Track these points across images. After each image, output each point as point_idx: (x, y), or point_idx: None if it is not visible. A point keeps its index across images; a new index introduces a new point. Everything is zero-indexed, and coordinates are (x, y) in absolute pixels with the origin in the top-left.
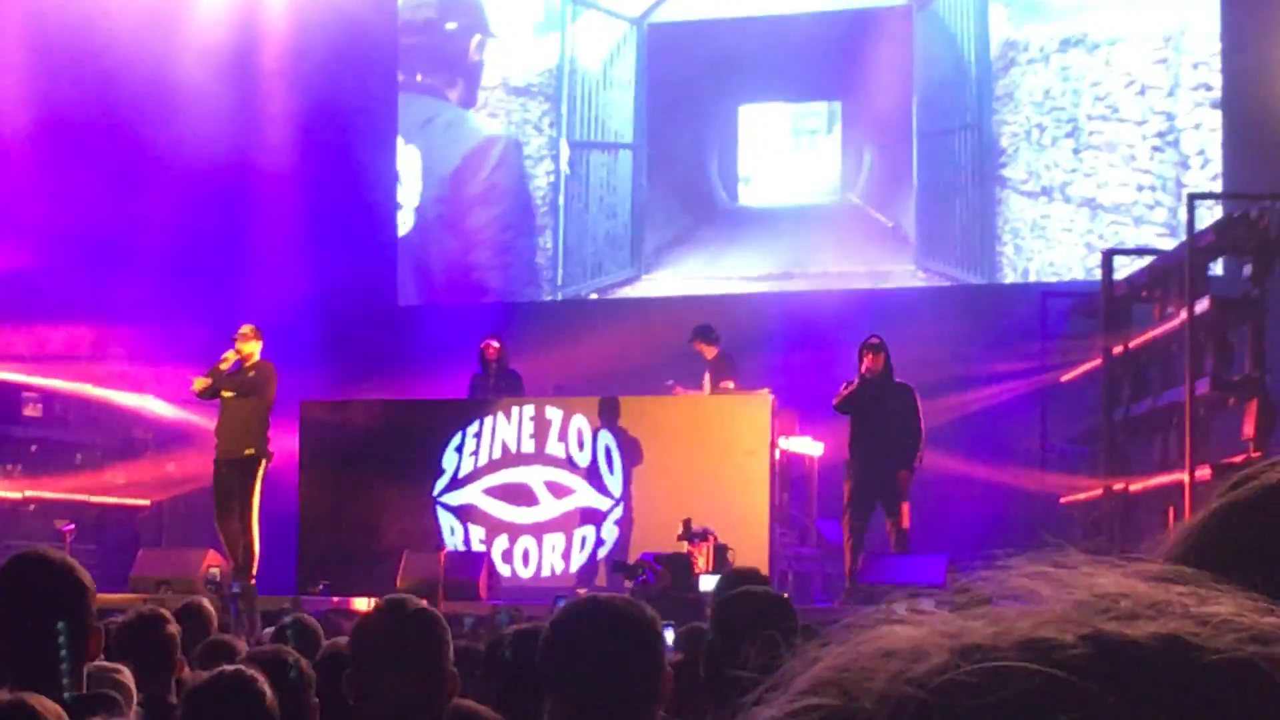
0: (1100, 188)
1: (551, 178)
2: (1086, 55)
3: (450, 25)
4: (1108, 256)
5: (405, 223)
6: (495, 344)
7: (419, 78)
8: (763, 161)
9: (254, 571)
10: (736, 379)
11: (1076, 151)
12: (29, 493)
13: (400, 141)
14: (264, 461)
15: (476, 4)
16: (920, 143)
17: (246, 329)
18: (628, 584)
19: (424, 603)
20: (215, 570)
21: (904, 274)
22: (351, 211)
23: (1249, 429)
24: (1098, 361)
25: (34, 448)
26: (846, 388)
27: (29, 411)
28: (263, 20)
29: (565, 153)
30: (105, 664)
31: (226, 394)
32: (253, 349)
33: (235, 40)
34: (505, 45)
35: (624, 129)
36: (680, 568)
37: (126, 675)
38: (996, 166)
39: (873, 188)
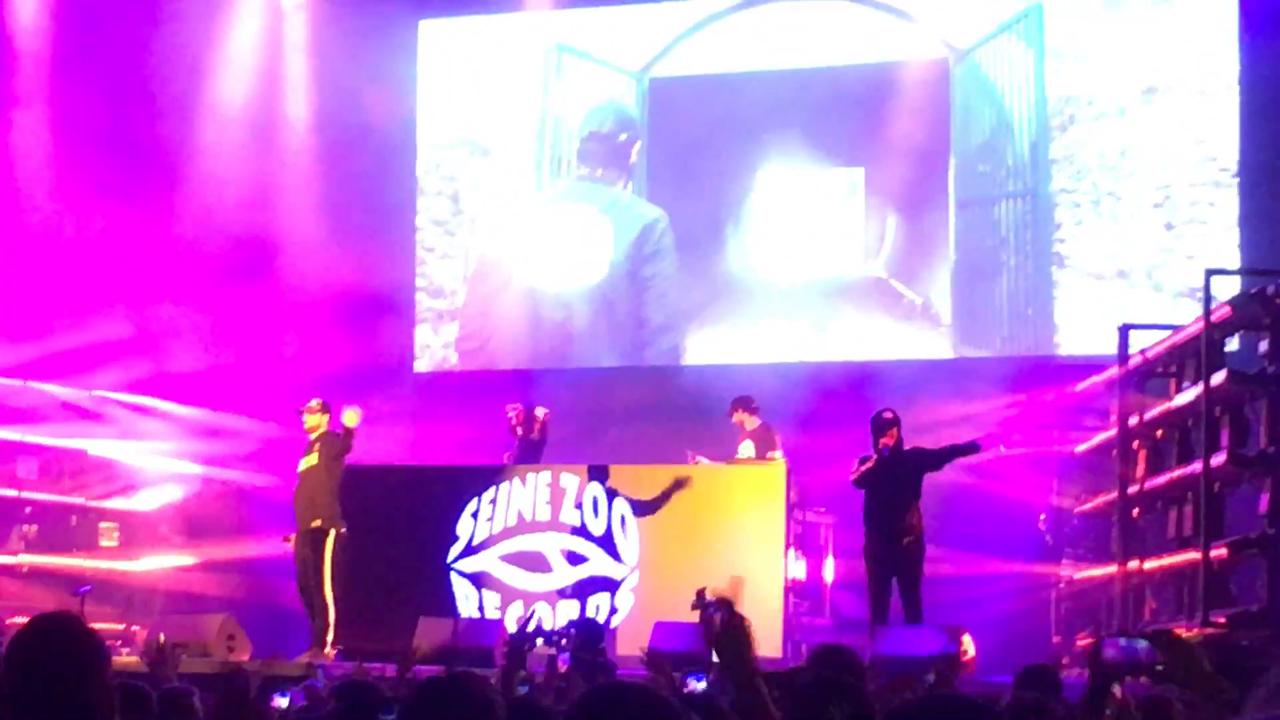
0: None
1: None
2: (1151, 110)
3: (622, 136)
4: (1124, 331)
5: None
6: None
7: (599, 172)
8: (778, 230)
9: (326, 641)
10: (778, 449)
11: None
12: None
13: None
14: (333, 532)
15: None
16: (958, 212)
17: (314, 403)
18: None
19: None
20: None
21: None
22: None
23: (1265, 505)
24: (1113, 432)
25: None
26: (862, 464)
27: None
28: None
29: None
30: None
31: (304, 464)
32: (318, 421)
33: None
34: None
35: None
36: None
37: None
38: (1051, 240)
39: (899, 260)
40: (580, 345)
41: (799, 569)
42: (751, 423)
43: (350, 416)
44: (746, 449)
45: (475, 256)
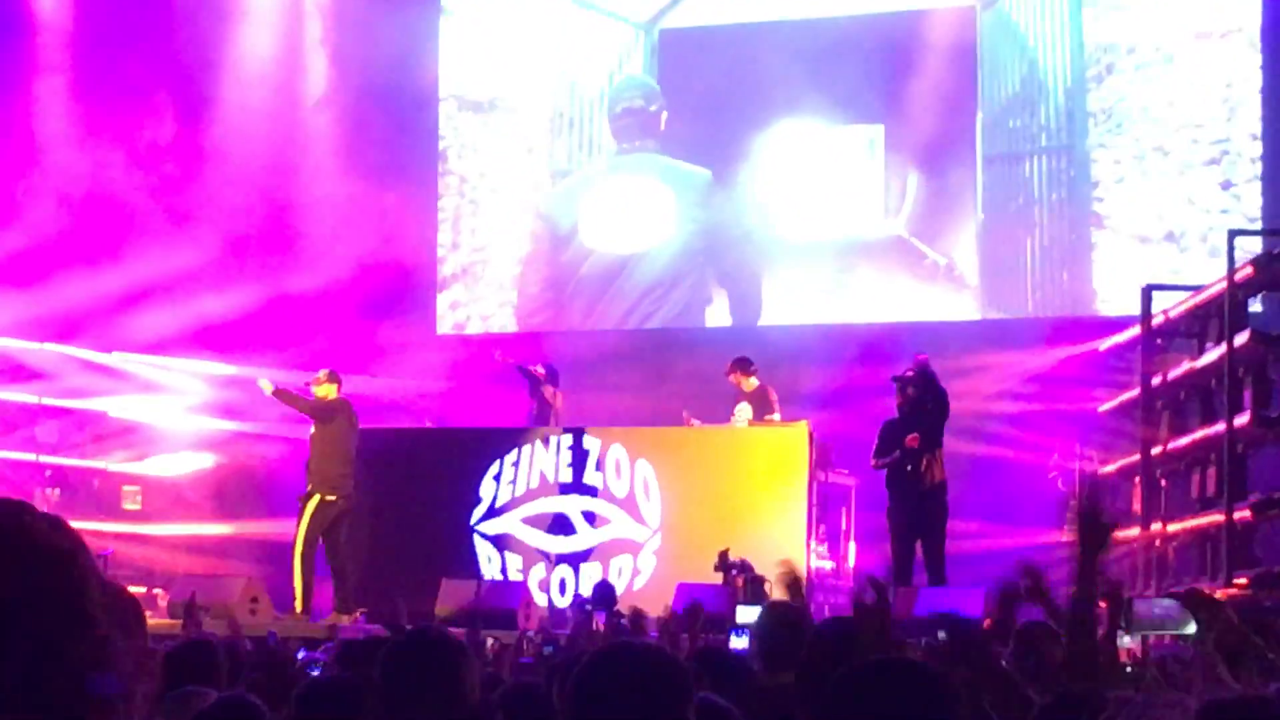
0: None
1: None
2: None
3: (653, 107)
4: (1147, 291)
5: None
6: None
7: (637, 143)
8: (794, 188)
9: (298, 607)
10: (780, 413)
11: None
12: None
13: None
14: (317, 497)
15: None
16: (985, 168)
17: (322, 374)
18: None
19: (448, 631)
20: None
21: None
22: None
23: None
24: (1135, 391)
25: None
26: (883, 445)
27: None
28: None
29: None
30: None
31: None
32: (326, 392)
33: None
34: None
35: None
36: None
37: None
38: (1089, 199)
39: (920, 219)
40: (618, 308)
41: (820, 530)
42: (749, 384)
43: (263, 385)
44: (744, 411)
45: (521, 222)
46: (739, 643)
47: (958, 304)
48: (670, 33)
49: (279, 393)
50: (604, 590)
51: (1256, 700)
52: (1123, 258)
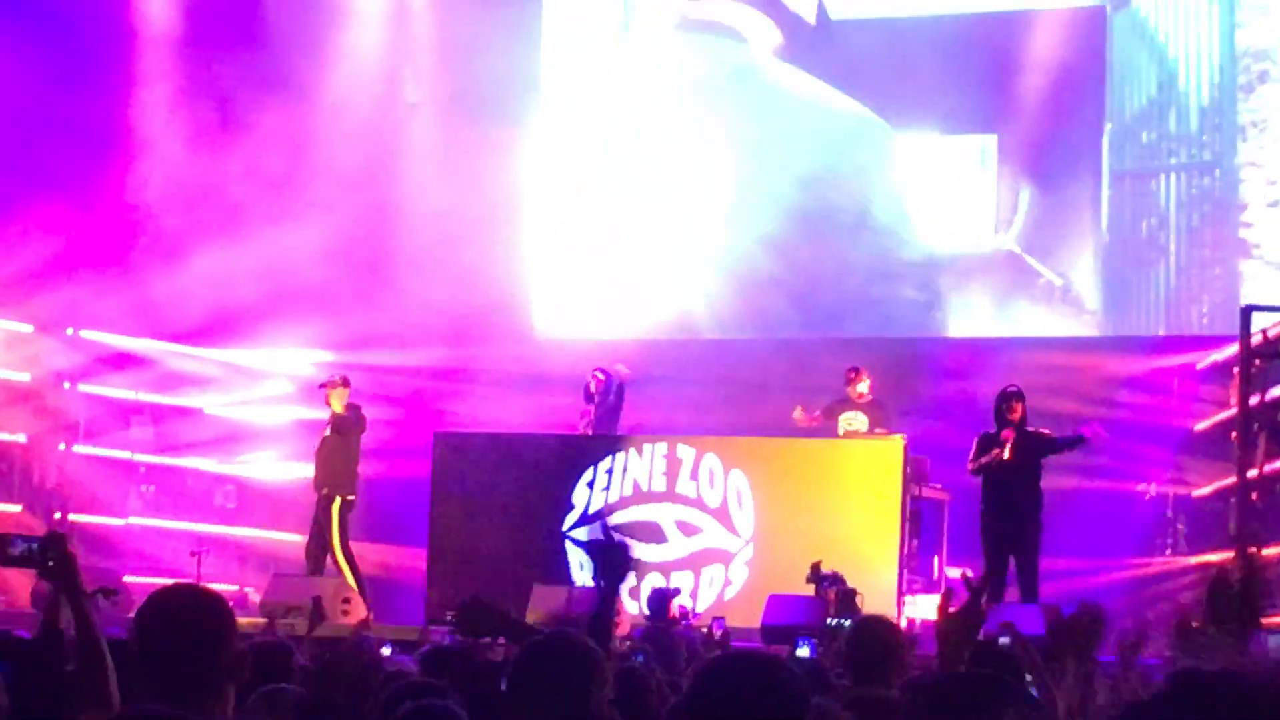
0: None
1: None
2: None
3: None
4: (1246, 311)
5: None
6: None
7: None
8: (898, 198)
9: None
10: (889, 427)
11: None
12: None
13: None
14: (338, 499)
15: None
16: (1112, 184)
17: (336, 378)
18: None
19: (582, 637)
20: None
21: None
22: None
23: None
24: (1233, 412)
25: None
26: (980, 447)
27: None
28: None
29: None
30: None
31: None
32: (341, 396)
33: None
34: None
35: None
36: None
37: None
38: (1235, 223)
39: (1033, 235)
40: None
41: (914, 545)
42: (864, 395)
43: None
44: (858, 420)
45: (617, 225)
46: (802, 651)
47: (1073, 328)
48: None
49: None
50: (659, 597)
51: (1229, 674)
52: (1276, 289)
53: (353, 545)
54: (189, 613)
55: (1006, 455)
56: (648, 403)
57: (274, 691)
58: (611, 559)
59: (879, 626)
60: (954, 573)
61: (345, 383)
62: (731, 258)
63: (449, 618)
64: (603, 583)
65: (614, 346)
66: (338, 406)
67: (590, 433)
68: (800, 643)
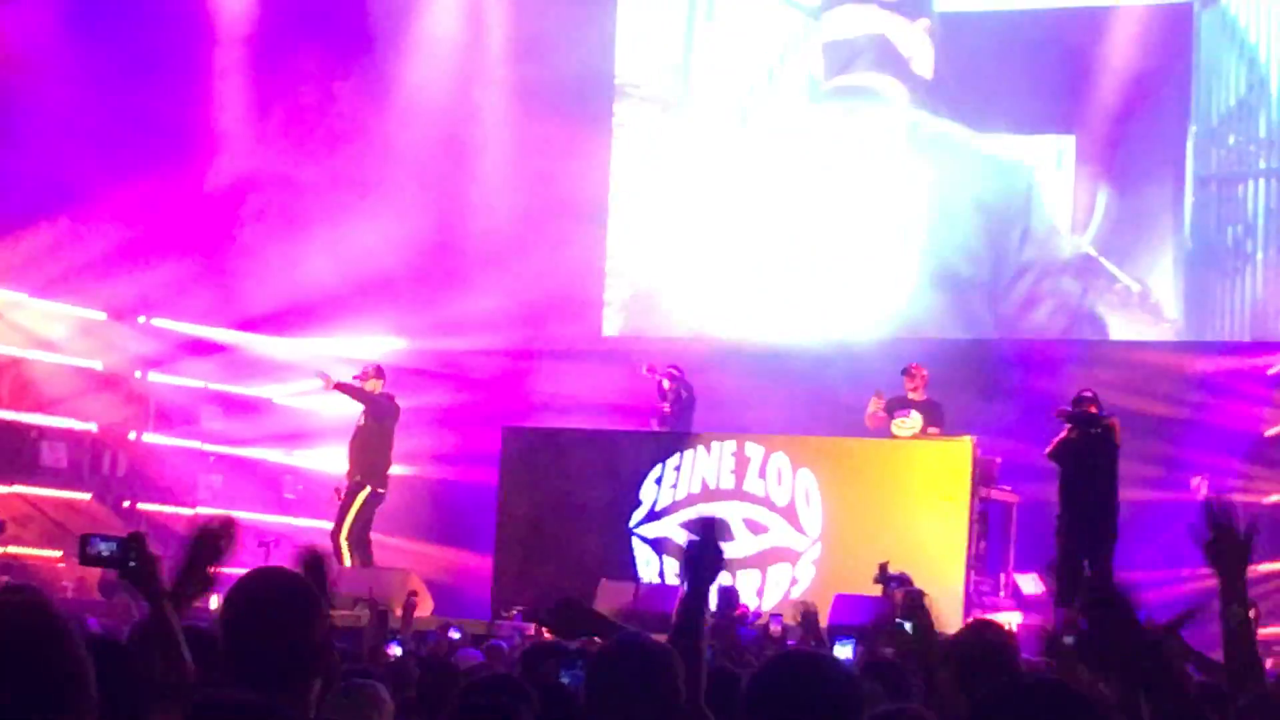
0: None
1: None
2: None
3: None
4: None
5: None
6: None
7: None
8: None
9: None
10: (944, 428)
11: None
12: None
13: None
14: (367, 488)
15: None
16: (1196, 189)
17: (370, 369)
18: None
19: (659, 640)
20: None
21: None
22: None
23: None
24: None
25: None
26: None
27: None
28: None
29: None
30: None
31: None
32: (374, 387)
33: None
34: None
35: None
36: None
37: (381, 690)
38: None
39: (1110, 239)
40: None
41: (981, 547)
42: (919, 394)
43: (320, 382)
44: (914, 418)
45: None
46: (843, 651)
47: (1150, 334)
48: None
49: (340, 386)
50: (726, 594)
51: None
52: None
53: (416, 545)
54: (278, 597)
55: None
56: (717, 401)
57: (360, 685)
58: (706, 558)
59: (990, 631)
60: (1027, 583)
61: (379, 373)
62: (800, 260)
63: (515, 613)
64: (692, 581)
65: (681, 345)
66: (375, 392)
67: (663, 430)
68: (840, 640)
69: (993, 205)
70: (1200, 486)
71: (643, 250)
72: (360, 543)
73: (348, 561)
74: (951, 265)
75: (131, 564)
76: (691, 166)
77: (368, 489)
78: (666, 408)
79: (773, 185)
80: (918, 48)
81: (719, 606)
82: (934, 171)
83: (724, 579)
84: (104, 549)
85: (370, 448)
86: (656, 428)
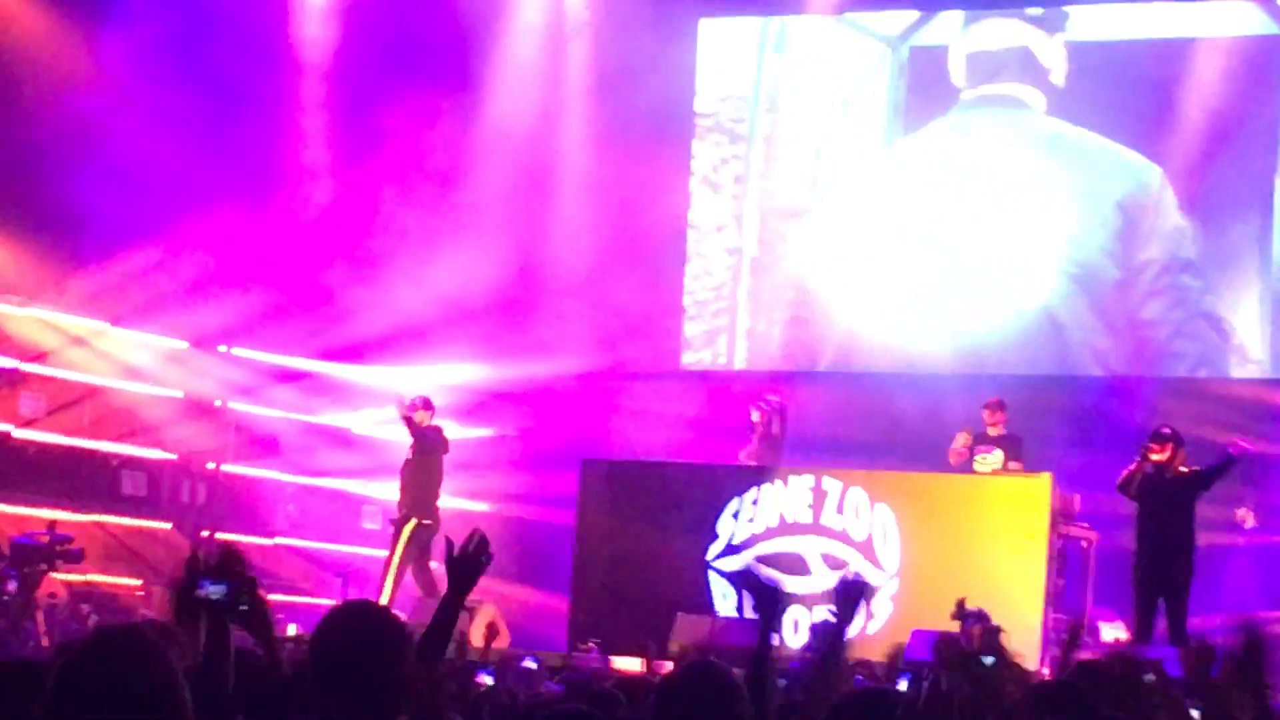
0: None
1: None
2: None
3: None
4: None
5: None
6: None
7: None
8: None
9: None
10: (1024, 462)
11: None
12: None
13: None
14: (413, 521)
15: None
16: None
17: (418, 400)
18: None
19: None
20: None
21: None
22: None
23: None
24: None
25: None
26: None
27: None
28: None
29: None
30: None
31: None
32: (423, 419)
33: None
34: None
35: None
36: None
37: None
38: None
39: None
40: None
41: (1059, 585)
42: (999, 428)
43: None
44: (995, 457)
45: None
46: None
47: (1236, 373)
48: (921, 50)
49: (407, 419)
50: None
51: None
52: None
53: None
54: (369, 629)
55: (1147, 466)
56: (796, 435)
57: None
58: (765, 598)
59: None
60: (1109, 633)
61: (428, 405)
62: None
63: (591, 645)
64: (761, 619)
65: (760, 378)
66: (423, 424)
67: (752, 463)
68: (900, 676)
69: (1125, 204)
70: (1246, 518)
71: (721, 281)
72: (422, 572)
73: (387, 595)
74: (1092, 263)
75: (243, 608)
76: (769, 197)
77: (414, 521)
78: (755, 440)
79: (850, 215)
80: (1055, 60)
81: (815, 642)
82: (1067, 174)
83: (800, 614)
84: (213, 592)
85: (417, 481)
86: (744, 460)
